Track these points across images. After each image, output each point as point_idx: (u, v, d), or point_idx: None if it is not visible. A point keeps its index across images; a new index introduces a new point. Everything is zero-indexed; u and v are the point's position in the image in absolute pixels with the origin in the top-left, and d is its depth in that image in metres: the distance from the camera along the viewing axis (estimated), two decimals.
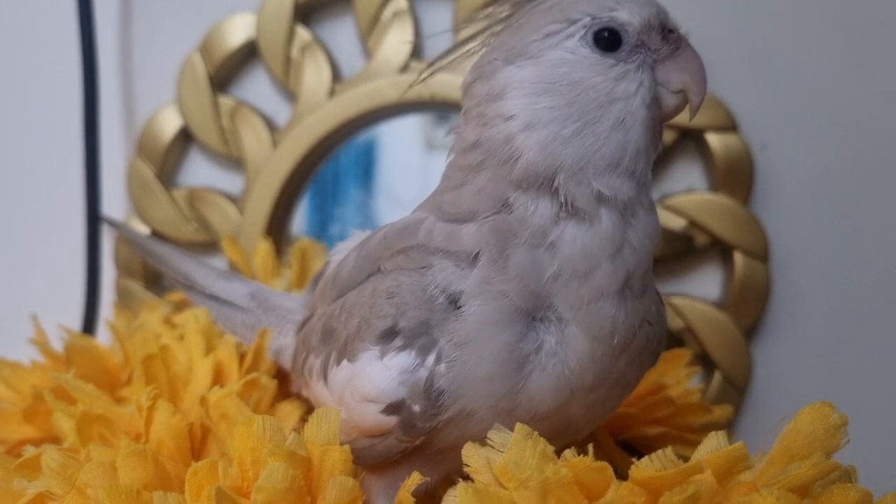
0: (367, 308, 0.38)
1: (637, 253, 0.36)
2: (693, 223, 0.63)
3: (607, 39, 0.36)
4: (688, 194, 0.64)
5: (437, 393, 0.35)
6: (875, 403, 0.65)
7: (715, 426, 0.55)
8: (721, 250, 0.65)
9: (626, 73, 0.36)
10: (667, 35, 0.37)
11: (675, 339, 0.63)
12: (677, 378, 0.53)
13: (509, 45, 0.37)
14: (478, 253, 0.36)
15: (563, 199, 0.35)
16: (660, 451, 0.30)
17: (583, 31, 0.36)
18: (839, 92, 0.64)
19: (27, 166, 0.71)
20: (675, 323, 0.64)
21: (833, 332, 0.65)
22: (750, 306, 0.64)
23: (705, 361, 0.64)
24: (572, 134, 0.36)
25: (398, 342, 0.36)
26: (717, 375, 0.64)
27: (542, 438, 0.31)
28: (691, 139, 0.64)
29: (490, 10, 0.40)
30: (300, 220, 0.70)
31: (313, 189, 0.70)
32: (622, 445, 0.51)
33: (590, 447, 0.31)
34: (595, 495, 0.30)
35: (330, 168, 0.70)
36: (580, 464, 0.30)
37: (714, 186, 0.64)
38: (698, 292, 0.65)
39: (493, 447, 0.32)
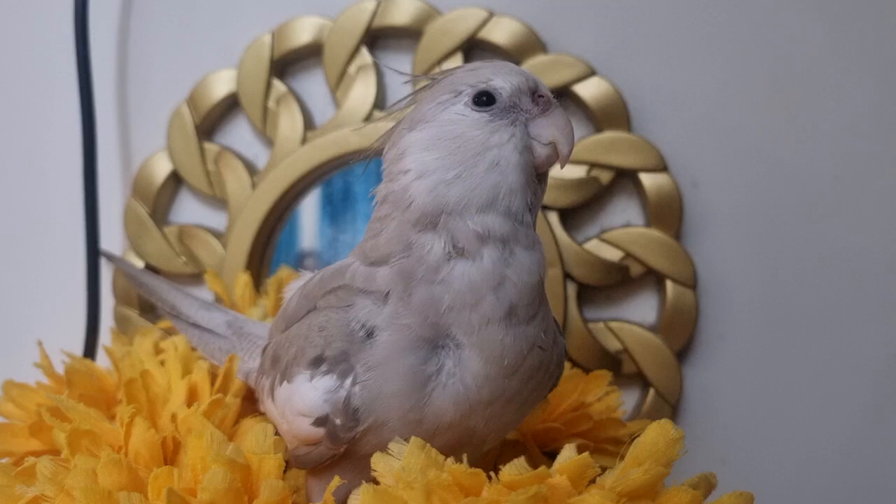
0: (302, 339, 0.44)
1: (517, 287, 0.41)
2: (629, 255, 0.69)
3: (484, 101, 0.42)
4: (625, 229, 0.70)
5: (354, 409, 0.41)
6: (793, 416, 0.71)
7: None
8: (655, 279, 0.71)
9: (500, 127, 0.42)
10: (537, 99, 0.43)
11: (613, 360, 0.69)
12: (597, 396, 0.58)
13: (412, 116, 0.44)
14: (389, 292, 0.42)
15: (447, 239, 0.41)
16: (517, 460, 0.36)
17: (466, 98, 0.42)
18: (762, 135, 0.70)
19: (35, 208, 0.76)
20: (613, 345, 0.70)
21: (754, 352, 0.71)
22: (680, 330, 0.69)
23: (641, 380, 0.70)
24: (454, 177, 0.41)
25: (324, 368, 0.42)
26: (652, 392, 0.69)
27: (433, 449, 0.37)
28: (628, 179, 0.70)
29: (409, 97, 0.46)
30: (312, 236, 0.75)
31: (325, 202, 0.73)
32: (549, 455, 0.56)
33: (450, 459, 0.37)
34: (472, 493, 0.36)
35: (340, 179, 0.73)
36: (458, 469, 0.36)
37: (648, 222, 0.69)
38: (634, 317, 0.71)
39: (393, 456, 0.38)
